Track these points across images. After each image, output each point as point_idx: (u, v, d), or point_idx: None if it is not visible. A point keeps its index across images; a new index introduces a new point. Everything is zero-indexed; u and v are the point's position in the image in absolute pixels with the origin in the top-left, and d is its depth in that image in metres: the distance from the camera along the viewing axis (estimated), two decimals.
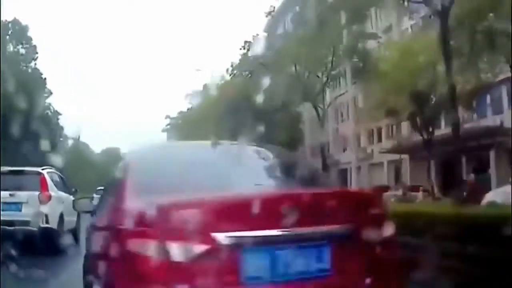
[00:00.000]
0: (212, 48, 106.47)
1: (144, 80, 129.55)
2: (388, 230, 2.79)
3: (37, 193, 10.16)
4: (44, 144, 26.24)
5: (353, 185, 44.02)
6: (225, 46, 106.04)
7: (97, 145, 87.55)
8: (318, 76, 29.05)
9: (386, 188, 26.00)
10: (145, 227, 2.36)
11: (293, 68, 28.84)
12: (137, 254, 2.31)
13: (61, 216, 10.50)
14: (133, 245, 2.34)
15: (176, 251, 2.29)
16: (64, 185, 11.84)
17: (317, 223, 2.51)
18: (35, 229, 9.54)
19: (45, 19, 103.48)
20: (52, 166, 12.22)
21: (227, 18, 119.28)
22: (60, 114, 51.82)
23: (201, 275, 2.30)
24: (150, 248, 2.29)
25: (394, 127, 38.97)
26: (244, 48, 37.47)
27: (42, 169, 10.95)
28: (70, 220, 11.08)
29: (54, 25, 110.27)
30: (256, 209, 2.38)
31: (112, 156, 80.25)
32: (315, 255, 2.54)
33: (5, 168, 10.60)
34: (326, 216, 2.54)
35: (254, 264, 2.41)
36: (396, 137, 35.84)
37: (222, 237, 2.33)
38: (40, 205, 10.00)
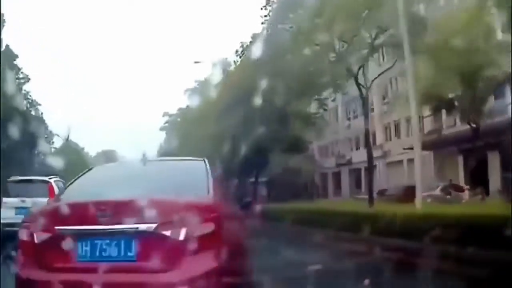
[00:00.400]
0: (214, 38, 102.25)
1: (139, 75, 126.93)
2: (202, 230, 3.60)
3: (45, 199, 11.38)
4: (16, 139, 23.77)
5: (369, 186, 41.48)
6: (228, 34, 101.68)
7: (92, 148, 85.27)
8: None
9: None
10: (26, 222, 4.04)
11: (320, 41, 23.60)
12: (21, 239, 3.91)
13: None
14: (20, 232, 3.95)
15: (36, 237, 3.77)
16: None
17: (127, 222, 3.56)
18: None
19: (33, 13, 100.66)
20: (56, 174, 14.54)
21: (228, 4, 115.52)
22: (39, 104, 44.32)
23: (51, 252, 3.70)
24: (24, 235, 3.88)
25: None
26: (265, 8, 30.71)
27: (49, 178, 13.32)
28: None
29: (49, 20, 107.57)
30: (87, 211, 3.68)
31: (109, 159, 78.34)
32: (124, 245, 3.61)
33: (16, 178, 13.19)
34: (136, 217, 3.54)
35: (81, 248, 3.67)
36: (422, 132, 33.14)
37: (59, 229, 3.69)
38: None
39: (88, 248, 3.67)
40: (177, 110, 52.64)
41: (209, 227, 3.66)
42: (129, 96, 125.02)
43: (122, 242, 3.63)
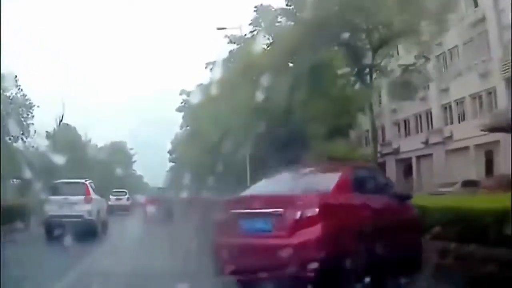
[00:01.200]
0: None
1: (153, 47, 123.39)
2: (309, 212, 6.05)
3: (83, 197, 16.86)
4: None
5: (423, 178, 36.95)
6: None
7: (100, 140, 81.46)
8: None
9: None
10: (220, 208, 7.52)
11: None
12: (215, 218, 7.60)
13: (98, 212, 17.43)
14: (215, 214, 7.73)
15: (222, 216, 7.05)
16: (96, 190, 18.60)
17: (266, 207, 6.33)
18: (82, 220, 15.98)
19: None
20: (88, 178, 20.02)
21: None
22: None
23: (229, 226, 6.69)
24: (217, 216, 7.41)
25: (484, 97, 31.84)
26: None
27: (85, 181, 18.11)
28: (103, 214, 18.73)
29: (49, 20, 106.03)
30: (247, 201, 6.82)
31: (118, 151, 74.64)
32: (265, 222, 6.33)
33: (60, 180, 18.32)
34: (273, 205, 6.31)
35: (244, 223, 6.55)
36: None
37: (233, 211, 6.74)
38: (85, 204, 16.67)
39: (246, 223, 6.55)
40: (196, 86, 47.34)
41: (315, 211, 6.09)
42: (135, 87, 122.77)
43: (264, 220, 6.38)
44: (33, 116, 36.41)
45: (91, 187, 17.79)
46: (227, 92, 25.96)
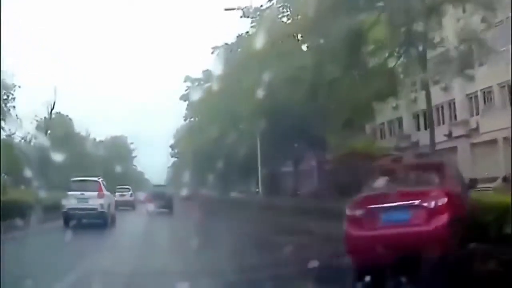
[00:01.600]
0: None
1: (155, 36, 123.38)
2: (440, 202, 7.81)
3: (96, 192, 21.29)
4: None
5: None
6: None
7: (100, 134, 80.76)
8: None
9: None
10: (350, 204, 8.82)
11: None
12: (348, 214, 8.81)
13: (109, 206, 21.99)
14: (347, 209, 8.81)
15: (357, 211, 8.46)
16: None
17: (404, 200, 8.08)
18: (96, 212, 20.87)
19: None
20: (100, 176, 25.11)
21: None
22: None
23: (365, 220, 8.29)
24: (350, 211, 8.72)
25: None
26: None
27: (98, 178, 22.99)
28: (112, 208, 23.18)
29: (49, 20, 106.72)
30: (381, 197, 8.45)
31: (118, 146, 73.86)
32: (403, 212, 8.04)
33: (77, 178, 22.89)
34: (408, 197, 8.13)
35: (383, 216, 8.19)
36: None
37: (370, 207, 8.31)
38: (98, 199, 21.10)
39: (386, 216, 8.10)
40: (202, 72, 46.08)
41: (444, 200, 7.85)
42: (137, 81, 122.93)
43: (403, 211, 8.00)
44: (14, 98, 31.76)
45: (103, 184, 22.41)
46: (235, 78, 24.86)
